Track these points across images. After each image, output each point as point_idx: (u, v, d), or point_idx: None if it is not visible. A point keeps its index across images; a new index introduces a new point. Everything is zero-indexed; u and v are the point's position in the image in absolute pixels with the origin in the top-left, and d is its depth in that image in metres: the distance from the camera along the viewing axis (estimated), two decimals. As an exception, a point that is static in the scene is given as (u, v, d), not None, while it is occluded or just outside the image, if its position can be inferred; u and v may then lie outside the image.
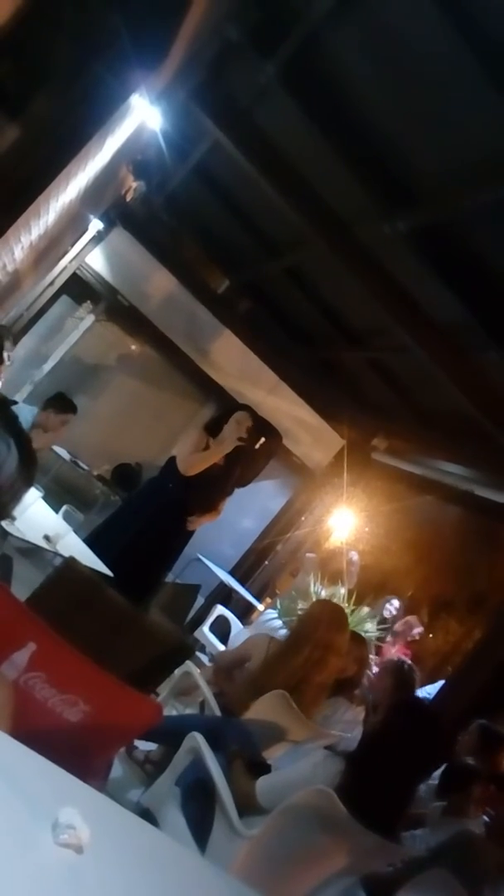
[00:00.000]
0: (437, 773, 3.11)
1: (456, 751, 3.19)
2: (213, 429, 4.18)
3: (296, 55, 3.46)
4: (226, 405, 4.80)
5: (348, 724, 3.58)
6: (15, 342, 4.77)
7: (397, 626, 5.48)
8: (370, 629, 5.13)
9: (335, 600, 5.02)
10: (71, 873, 1.09)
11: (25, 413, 4.55)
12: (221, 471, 4.14)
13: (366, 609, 5.26)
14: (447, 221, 3.64)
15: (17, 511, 2.76)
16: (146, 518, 4.11)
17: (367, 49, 3.21)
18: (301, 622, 3.74)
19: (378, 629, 5.13)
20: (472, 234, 3.58)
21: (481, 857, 2.40)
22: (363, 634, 4.79)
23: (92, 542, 3.90)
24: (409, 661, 4.47)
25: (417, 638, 5.50)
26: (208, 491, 4.18)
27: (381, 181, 3.73)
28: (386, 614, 5.60)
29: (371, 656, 4.31)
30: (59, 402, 5.25)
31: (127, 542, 4.02)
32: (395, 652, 5.24)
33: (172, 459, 4.18)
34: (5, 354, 4.37)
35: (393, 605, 5.71)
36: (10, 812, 1.11)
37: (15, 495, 1.29)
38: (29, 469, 1.28)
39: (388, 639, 5.36)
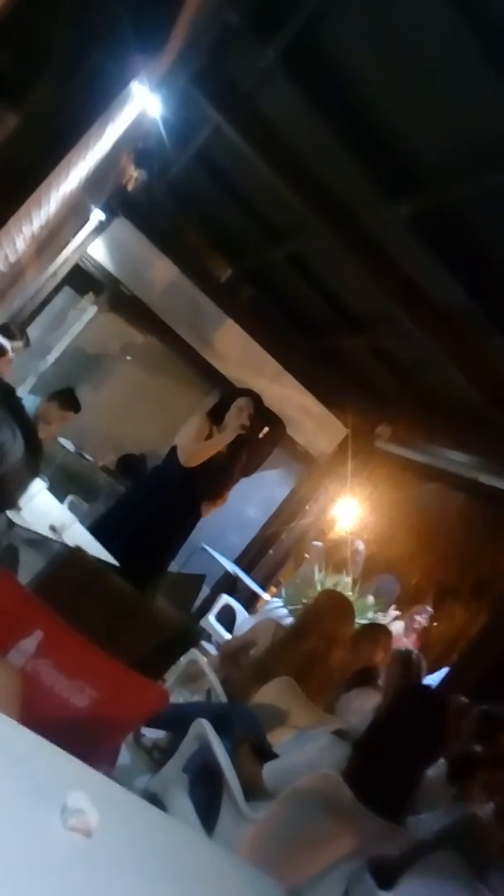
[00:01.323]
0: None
1: (459, 736, 3.20)
2: (215, 416, 4.13)
3: (296, 39, 3.43)
4: (229, 392, 4.75)
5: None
6: (21, 336, 4.76)
7: (404, 619, 5.45)
8: (379, 617, 5.15)
9: (339, 588, 5.04)
10: (80, 857, 1.10)
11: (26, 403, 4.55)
12: (225, 459, 4.10)
13: (371, 598, 5.27)
14: (450, 206, 3.62)
15: (23, 501, 2.77)
16: (151, 508, 4.09)
17: (367, 32, 3.18)
18: (306, 612, 3.75)
19: (375, 609, 5.13)
20: (475, 219, 3.56)
21: (487, 840, 2.42)
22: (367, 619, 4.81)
23: (95, 530, 3.90)
24: (417, 651, 4.48)
25: (425, 624, 5.47)
26: (213, 479, 4.15)
27: (383, 166, 3.70)
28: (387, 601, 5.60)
29: None
30: (65, 398, 5.26)
31: (132, 531, 4.00)
32: (408, 643, 5.22)
33: (173, 449, 4.14)
34: (9, 346, 4.36)
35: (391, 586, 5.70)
36: (19, 797, 1.12)
37: (21, 484, 1.28)
38: (35, 458, 1.27)
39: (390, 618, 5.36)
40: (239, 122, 4.35)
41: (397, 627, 5.25)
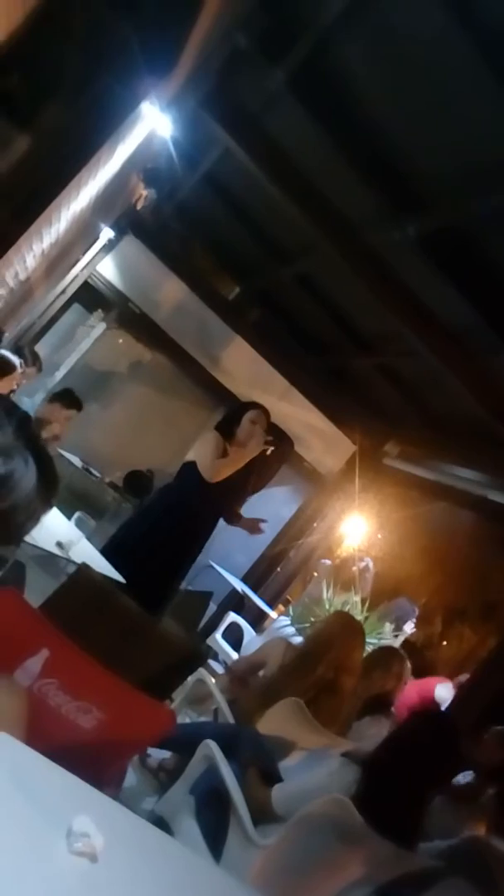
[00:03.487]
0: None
1: (476, 759, 3.15)
2: (225, 429, 4.09)
3: (305, 61, 3.47)
4: (235, 405, 4.70)
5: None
6: (35, 361, 4.78)
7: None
8: (385, 634, 5.09)
9: (348, 608, 4.99)
10: (85, 882, 1.08)
11: (28, 406, 4.55)
12: (239, 475, 4.04)
13: (388, 626, 5.21)
14: (457, 226, 3.63)
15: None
16: (168, 527, 3.99)
17: (375, 54, 3.21)
18: (316, 637, 3.63)
19: (393, 635, 5.08)
20: (482, 238, 3.57)
21: (496, 865, 2.37)
22: (378, 639, 4.75)
23: (109, 552, 3.85)
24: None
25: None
26: (228, 497, 4.10)
27: (390, 186, 3.73)
28: (407, 628, 5.54)
29: None
30: (66, 398, 5.28)
31: (151, 550, 3.90)
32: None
33: (188, 465, 4.04)
34: (18, 362, 4.37)
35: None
36: (24, 820, 1.10)
37: (32, 515, 1.19)
38: (49, 490, 1.19)
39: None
40: (247, 144, 4.39)
41: (447, 692, 4.95)
